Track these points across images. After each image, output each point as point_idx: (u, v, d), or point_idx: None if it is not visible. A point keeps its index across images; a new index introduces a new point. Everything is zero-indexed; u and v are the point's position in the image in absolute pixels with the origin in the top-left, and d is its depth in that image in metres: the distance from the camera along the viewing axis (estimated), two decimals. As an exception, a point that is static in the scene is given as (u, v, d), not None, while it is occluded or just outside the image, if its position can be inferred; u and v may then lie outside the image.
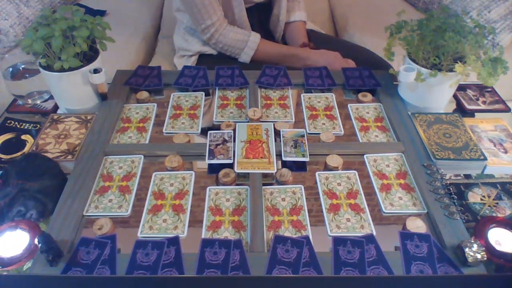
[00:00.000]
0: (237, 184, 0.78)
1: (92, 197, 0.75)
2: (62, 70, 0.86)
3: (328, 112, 0.95)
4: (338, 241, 0.66)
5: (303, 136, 0.85)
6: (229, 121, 0.90)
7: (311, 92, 1.01)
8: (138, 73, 1.05)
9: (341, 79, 1.03)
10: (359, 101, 0.98)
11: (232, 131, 0.86)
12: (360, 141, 0.87)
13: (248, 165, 0.78)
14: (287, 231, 0.69)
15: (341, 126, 0.91)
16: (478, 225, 0.68)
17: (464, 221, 0.70)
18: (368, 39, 1.48)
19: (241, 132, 0.86)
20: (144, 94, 0.98)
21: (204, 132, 0.89)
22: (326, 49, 1.21)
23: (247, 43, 1.17)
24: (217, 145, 0.83)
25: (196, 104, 0.97)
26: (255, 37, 1.18)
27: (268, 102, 0.98)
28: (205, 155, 0.81)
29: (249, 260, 0.63)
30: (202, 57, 1.26)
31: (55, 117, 0.91)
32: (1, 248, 0.64)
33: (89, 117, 0.91)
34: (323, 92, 1.01)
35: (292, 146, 0.83)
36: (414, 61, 0.90)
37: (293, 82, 1.02)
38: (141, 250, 0.65)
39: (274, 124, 0.88)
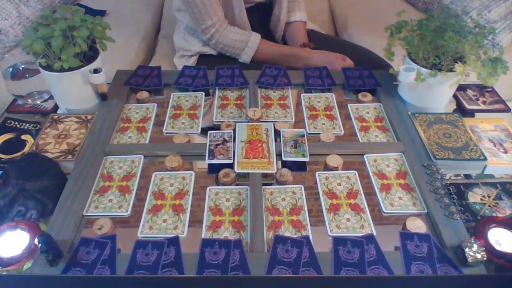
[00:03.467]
0: (237, 184, 0.78)
1: (92, 197, 0.75)
2: (62, 70, 0.86)
3: (328, 112, 0.95)
4: (338, 241, 0.66)
5: (303, 136, 0.85)
6: (229, 121, 0.90)
7: (311, 92, 1.01)
8: (138, 73, 1.05)
9: (341, 79, 1.03)
10: (359, 101, 0.98)
11: (232, 131, 0.86)
12: (360, 141, 0.87)
13: (248, 165, 0.78)
14: (287, 231, 0.69)
15: (341, 126, 0.91)
16: (478, 225, 0.68)
17: (464, 221, 0.70)
18: (368, 39, 1.48)
19: (241, 132, 0.86)
20: (144, 94, 0.98)
21: (204, 132, 0.89)
22: (326, 49, 1.21)
23: (247, 43, 1.17)
24: (217, 145, 0.83)
25: (196, 104, 0.97)
26: (256, 37, 1.18)
27: (268, 102, 0.98)
28: (205, 155, 0.81)
29: (249, 260, 0.63)
30: (202, 57, 1.26)
31: (55, 117, 0.91)
32: (1, 248, 0.64)
33: (89, 117, 0.91)
34: (323, 92, 1.01)
35: (292, 146, 0.83)
36: (414, 61, 0.90)
37: (293, 82, 1.02)
38: (141, 250, 0.65)
39: (274, 124, 0.88)
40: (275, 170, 0.78)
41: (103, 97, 0.95)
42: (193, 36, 1.26)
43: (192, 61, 1.26)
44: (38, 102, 0.97)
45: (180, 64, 1.30)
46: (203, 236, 0.68)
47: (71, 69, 0.86)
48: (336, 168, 0.80)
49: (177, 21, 1.33)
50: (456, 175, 0.80)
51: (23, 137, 0.87)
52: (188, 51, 1.26)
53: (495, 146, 0.85)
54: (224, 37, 1.17)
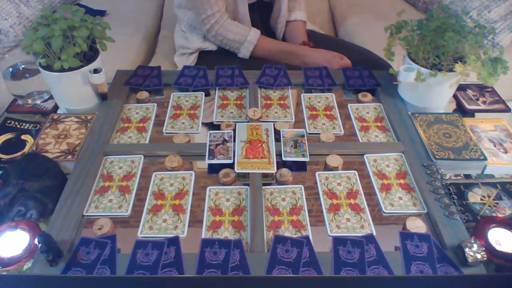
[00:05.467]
0: (237, 184, 0.78)
1: (92, 197, 0.75)
2: (62, 70, 0.86)
3: (328, 112, 0.95)
4: (338, 241, 0.66)
5: (303, 136, 0.85)
6: (229, 121, 0.90)
7: (311, 92, 1.01)
8: (138, 73, 1.05)
9: (341, 79, 1.03)
10: (359, 101, 0.98)
11: (232, 131, 0.86)
12: (360, 141, 0.87)
13: (248, 165, 0.78)
14: (287, 231, 0.69)
15: (341, 126, 0.91)
16: (478, 225, 0.68)
17: (464, 221, 0.70)
18: (368, 39, 1.48)
19: (241, 132, 0.86)
20: (144, 94, 0.98)
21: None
22: (325, 49, 1.21)
23: (247, 37, 1.18)
24: (217, 145, 0.83)
25: (196, 104, 0.97)
26: (255, 32, 1.19)
27: (268, 102, 0.98)
28: (205, 155, 0.81)
29: (249, 260, 0.63)
30: (202, 54, 1.26)
31: (55, 117, 0.91)
32: (1, 248, 0.64)
33: (89, 117, 0.91)
34: (323, 92, 1.01)
35: (292, 146, 0.83)
36: (414, 61, 0.90)
37: (293, 82, 1.02)
38: (141, 250, 0.65)
39: (274, 124, 0.88)
40: (275, 170, 0.78)
41: (103, 97, 0.95)
42: (193, 33, 1.26)
43: (192, 59, 1.26)
44: (38, 102, 0.97)
45: (180, 62, 1.30)
46: (203, 236, 0.68)
47: (71, 69, 0.86)
48: (336, 168, 0.80)
49: (178, 18, 1.33)
50: (456, 175, 0.80)
51: (23, 137, 0.87)
52: (188, 48, 1.27)
53: (495, 146, 0.85)
54: (224, 29, 1.17)
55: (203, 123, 0.91)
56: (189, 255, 0.64)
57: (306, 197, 0.75)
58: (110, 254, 0.64)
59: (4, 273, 0.62)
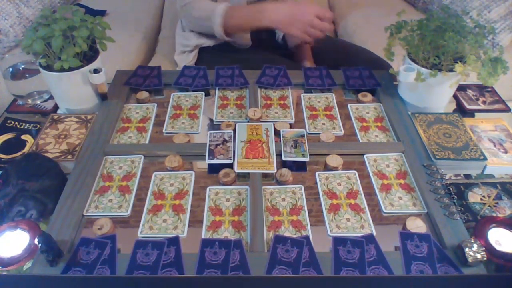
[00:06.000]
0: (237, 184, 0.78)
1: (92, 197, 0.75)
2: (62, 70, 0.86)
3: (328, 112, 0.95)
4: (338, 241, 0.66)
5: (303, 136, 0.85)
6: (229, 121, 0.90)
7: (311, 92, 1.01)
8: (138, 73, 1.05)
9: (341, 79, 1.03)
10: (359, 101, 0.98)
11: (232, 131, 0.86)
12: (360, 141, 0.87)
13: (248, 165, 0.78)
14: (287, 231, 0.69)
15: (341, 126, 0.91)
16: (478, 225, 0.68)
17: (464, 221, 0.70)
18: (368, 39, 1.48)
19: (241, 132, 0.86)
20: (144, 94, 0.98)
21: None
22: (325, 49, 1.21)
23: (214, 11, 1.13)
24: (217, 145, 0.83)
25: (196, 104, 0.97)
26: (222, 4, 1.14)
27: (268, 102, 0.98)
28: (205, 155, 0.81)
29: (249, 260, 0.63)
30: (202, 51, 1.26)
31: (55, 117, 0.91)
32: (1, 248, 0.64)
33: (89, 117, 0.91)
34: (323, 92, 1.01)
35: (292, 146, 0.83)
36: (414, 61, 0.90)
37: (293, 82, 1.02)
38: (141, 250, 0.65)
39: (274, 124, 0.88)
40: (275, 170, 0.78)
41: (103, 97, 0.95)
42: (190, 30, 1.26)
43: (192, 56, 1.26)
44: (38, 102, 0.97)
45: (180, 60, 1.30)
46: (203, 236, 0.68)
47: (71, 69, 0.86)
48: (336, 168, 0.80)
49: (180, 16, 1.33)
50: (456, 175, 0.80)
51: (23, 137, 0.87)
52: (187, 46, 1.27)
53: (495, 146, 0.85)
54: (193, 8, 1.15)
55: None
56: (189, 255, 0.64)
57: (306, 197, 0.75)
58: (110, 254, 0.64)
59: (4, 273, 0.62)
